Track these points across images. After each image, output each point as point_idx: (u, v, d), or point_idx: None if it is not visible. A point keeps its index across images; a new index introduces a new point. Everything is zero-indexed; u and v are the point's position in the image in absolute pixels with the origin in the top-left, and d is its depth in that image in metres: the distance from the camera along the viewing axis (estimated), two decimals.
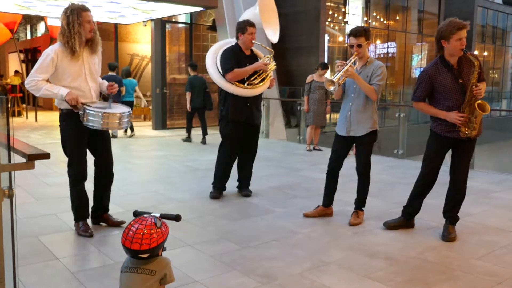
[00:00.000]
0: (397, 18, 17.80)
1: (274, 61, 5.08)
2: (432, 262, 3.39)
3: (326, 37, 14.96)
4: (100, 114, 3.51)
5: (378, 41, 17.21)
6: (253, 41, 4.94)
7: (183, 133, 11.75)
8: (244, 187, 5.29)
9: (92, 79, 3.78)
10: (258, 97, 5.10)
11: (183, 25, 13.68)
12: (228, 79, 4.91)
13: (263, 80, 5.00)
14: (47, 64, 3.59)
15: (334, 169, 4.38)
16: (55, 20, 12.77)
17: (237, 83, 4.92)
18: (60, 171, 6.33)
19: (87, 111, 3.53)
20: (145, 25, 12.55)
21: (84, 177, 3.83)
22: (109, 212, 4.11)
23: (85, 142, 3.79)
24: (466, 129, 3.71)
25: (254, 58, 5.06)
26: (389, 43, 17.18)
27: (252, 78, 4.97)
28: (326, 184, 4.48)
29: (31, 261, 3.26)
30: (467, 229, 4.20)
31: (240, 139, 5.10)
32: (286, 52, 14.57)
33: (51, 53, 3.60)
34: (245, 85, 4.94)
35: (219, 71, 5.01)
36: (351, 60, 4.02)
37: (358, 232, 4.06)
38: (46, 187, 5.57)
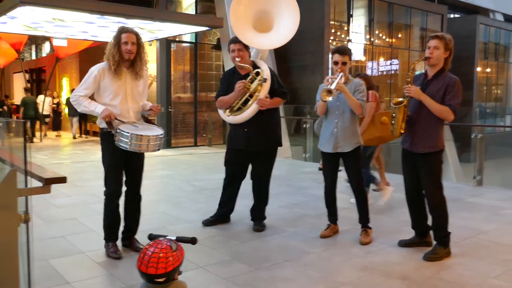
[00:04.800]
0: (400, 36, 17.86)
1: (262, 78, 4.43)
2: (449, 282, 3.34)
3: (330, 55, 14.78)
4: (129, 135, 3.53)
5: (381, 59, 17.26)
6: (237, 59, 4.46)
7: (189, 151, 11.84)
8: (255, 220, 4.76)
9: (133, 99, 3.87)
10: (262, 122, 4.50)
11: (188, 44, 13.81)
12: (218, 107, 4.69)
13: (245, 103, 4.49)
14: (90, 81, 3.77)
15: (331, 191, 4.44)
16: (61, 41, 12.90)
17: (227, 111, 4.59)
18: (68, 193, 6.31)
19: (119, 131, 3.57)
20: (151, 45, 12.64)
21: (117, 197, 3.84)
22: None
23: (120, 162, 3.82)
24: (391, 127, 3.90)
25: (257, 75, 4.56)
26: (392, 60, 17.24)
27: (233, 104, 4.54)
28: (327, 203, 4.50)
29: (43, 286, 3.22)
30: (481, 247, 4.15)
31: (240, 166, 4.73)
32: (290, 70, 14.61)
33: (95, 71, 3.79)
34: (227, 112, 4.59)
35: None
36: (338, 75, 4.06)
37: (371, 251, 4.01)
38: (54, 208, 5.55)
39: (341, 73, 4.08)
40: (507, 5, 24.08)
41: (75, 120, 15.39)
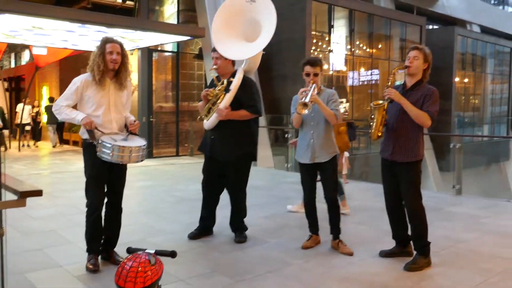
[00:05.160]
0: (380, 46, 18.11)
1: (225, 88, 4.45)
2: None
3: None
4: (110, 146, 3.50)
5: (362, 69, 17.45)
6: (214, 66, 4.54)
7: (171, 161, 11.75)
8: (236, 231, 4.70)
9: (116, 110, 3.85)
10: (227, 132, 4.47)
11: (170, 53, 13.75)
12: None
13: (209, 111, 4.53)
14: (71, 92, 3.77)
15: (311, 201, 4.44)
16: (41, 49, 12.74)
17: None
18: (45, 204, 6.19)
19: (101, 141, 3.55)
20: (132, 54, 12.56)
21: (99, 208, 3.78)
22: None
23: (102, 174, 3.77)
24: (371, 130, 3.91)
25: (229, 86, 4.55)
26: (372, 70, 17.44)
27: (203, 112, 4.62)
28: (307, 214, 4.51)
29: None
30: (460, 256, 4.18)
31: (214, 174, 4.69)
32: (272, 80, 14.67)
33: (77, 82, 3.78)
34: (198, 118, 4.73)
35: None
36: (311, 87, 4.08)
37: (352, 262, 4.00)
38: (31, 220, 5.43)
39: (314, 85, 4.10)
40: (483, 17, 24.70)
41: (51, 128, 15.24)
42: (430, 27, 22.60)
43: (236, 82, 4.45)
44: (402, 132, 3.84)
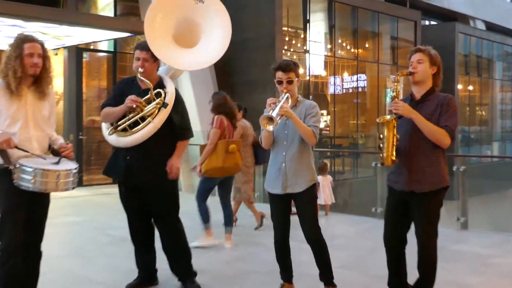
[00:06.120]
0: (367, 45, 18.31)
1: (161, 102, 4.39)
2: None
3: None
4: (32, 170, 3.42)
5: (345, 73, 17.58)
6: (140, 69, 4.40)
7: (106, 190, 11.49)
8: (182, 279, 4.64)
9: (36, 126, 3.77)
10: (148, 149, 4.39)
11: (105, 54, 13.62)
12: (101, 119, 4.63)
13: (136, 124, 4.38)
14: None
15: (282, 240, 4.38)
16: None
17: (111, 127, 4.49)
18: None
19: (19, 165, 3.47)
20: (56, 54, 12.38)
21: (16, 254, 3.64)
22: None
23: (20, 207, 3.66)
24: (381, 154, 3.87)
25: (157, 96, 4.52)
26: (358, 75, 17.51)
27: (120, 121, 4.43)
28: (278, 257, 4.46)
29: None
30: None
31: (133, 207, 4.62)
32: (234, 87, 14.48)
33: None
34: (109, 130, 4.49)
35: None
36: (283, 97, 4.10)
37: None
38: None
39: (287, 94, 4.11)
40: (488, 11, 25.11)
41: None
42: (427, 23, 23.13)
43: (172, 96, 4.45)
44: (419, 154, 3.82)
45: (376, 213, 8.42)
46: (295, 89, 4.23)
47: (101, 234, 7.07)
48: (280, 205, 4.33)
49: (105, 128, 4.54)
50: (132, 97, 4.31)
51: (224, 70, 13.76)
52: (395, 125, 3.79)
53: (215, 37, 4.73)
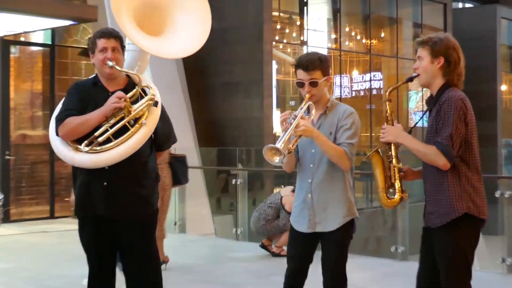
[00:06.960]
0: (383, 35, 18.51)
1: (152, 99, 4.33)
2: None
3: (274, 66, 14.93)
4: None
5: (355, 71, 17.67)
6: (110, 63, 4.28)
7: (41, 227, 11.51)
8: None
9: None
10: (127, 172, 4.36)
11: (40, 48, 13.80)
12: (61, 137, 4.37)
13: (123, 132, 4.26)
14: None
15: (294, 286, 4.37)
16: None
17: (77, 146, 4.30)
18: None
19: None
20: None
21: None
22: None
23: None
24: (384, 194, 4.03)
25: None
26: (372, 74, 17.57)
27: (97, 134, 4.25)
28: None
29: None
30: None
31: (102, 247, 4.48)
32: (211, 89, 14.77)
33: None
34: (83, 147, 4.28)
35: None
36: (302, 108, 4.09)
37: None
38: None
39: (308, 103, 4.07)
40: None
41: None
42: (460, 5, 23.31)
43: (158, 93, 4.45)
44: (427, 181, 3.94)
45: (396, 253, 8.41)
46: (322, 92, 4.21)
47: (33, 286, 7.08)
48: (303, 245, 4.33)
49: (64, 146, 4.37)
50: (119, 93, 4.22)
51: (196, 68, 14.04)
52: (395, 154, 3.94)
53: (187, 24, 4.83)
